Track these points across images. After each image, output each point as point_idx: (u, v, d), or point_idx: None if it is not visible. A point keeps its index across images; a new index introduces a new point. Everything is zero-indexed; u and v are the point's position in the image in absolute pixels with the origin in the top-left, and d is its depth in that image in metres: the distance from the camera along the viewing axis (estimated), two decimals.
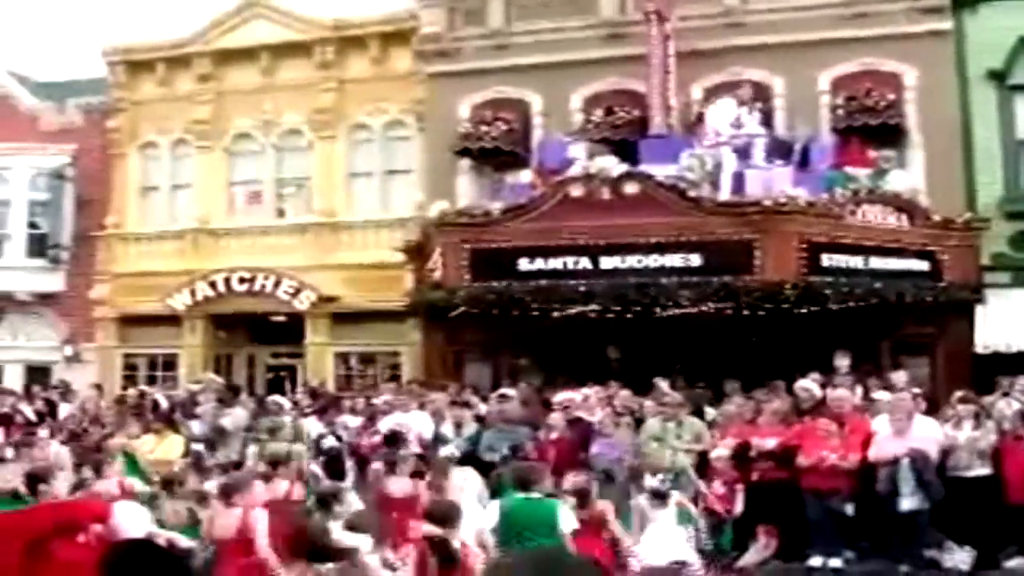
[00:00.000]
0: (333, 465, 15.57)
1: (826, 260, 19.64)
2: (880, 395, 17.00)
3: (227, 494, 9.92)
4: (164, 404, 20.14)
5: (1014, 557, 14.85)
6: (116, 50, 29.74)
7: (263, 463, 14.23)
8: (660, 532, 11.46)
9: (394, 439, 15.29)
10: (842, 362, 19.23)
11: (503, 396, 18.39)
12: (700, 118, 23.21)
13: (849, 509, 15.29)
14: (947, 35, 22.94)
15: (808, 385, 17.14)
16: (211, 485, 11.91)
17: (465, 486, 12.61)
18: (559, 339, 21.44)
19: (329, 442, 17.54)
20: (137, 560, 6.49)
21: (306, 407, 19.98)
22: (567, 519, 10.12)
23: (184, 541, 10.06)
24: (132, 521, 9.22)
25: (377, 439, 16.88)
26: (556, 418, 17.02)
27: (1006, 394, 16.89)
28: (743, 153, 21.23)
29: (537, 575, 3.00)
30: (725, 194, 20.25)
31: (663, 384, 18.38)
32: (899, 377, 18.60)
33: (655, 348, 20.73)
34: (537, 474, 10.80)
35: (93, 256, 29.16)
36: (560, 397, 18.27)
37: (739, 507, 15.48)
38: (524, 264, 20.27)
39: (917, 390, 17.64)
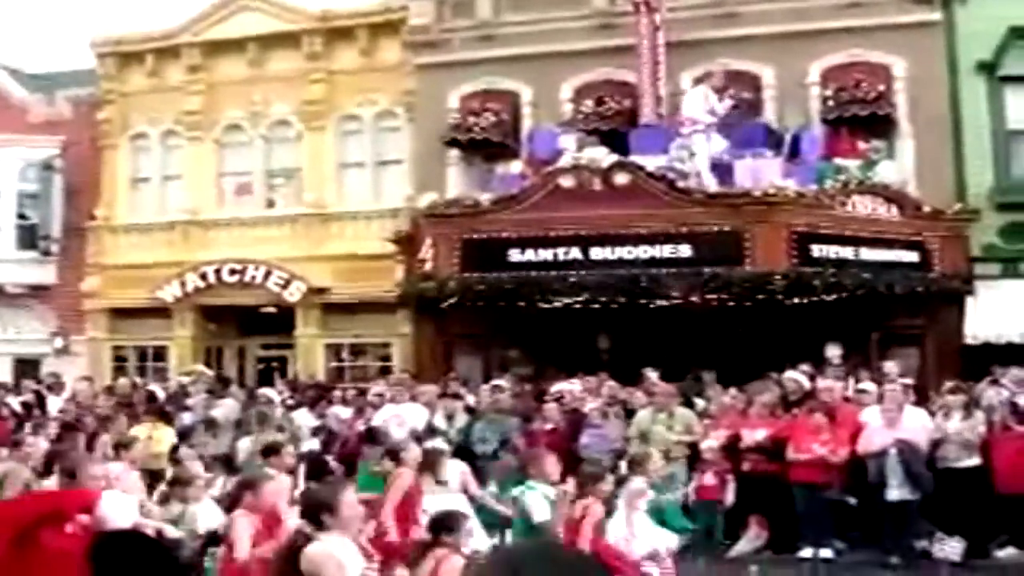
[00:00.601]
0: (314, 467, 15.42)
1: (816, 251, 19.66)
2: (867, 386, 17.00)
3: (238, 493, 9.78)
4: (161, 395, 20.06)
5: (1004, 547, 14.91)
6: (105, 41, 29.62)
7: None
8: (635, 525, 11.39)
9: (374, 436, 15.14)
10: (834, 353, 19.28)
11: (497, 387, 18.38)
12: None
13: (852, 500, 15.35)
14: (937, 26, 22.93)
15: (795, 376, 17.18)
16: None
17: (450, 478, 12.61)
18: (549, 330, 21.44)
19: (311, 443, 17.42)
20: (123, 549, 6.50)
21: (287, 399, 19.92)
22: (535, 507, 10.03)
23: (172, 532, 10.03)
24: (120, 511, 9.19)
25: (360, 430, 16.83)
26: (552, 408, 17.06)
27: (995, 381, 16.93)
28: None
29: (511, 571, 2.96)
30: (707, 180, 20.23)
31: (652, 375, 18.39)
32: (890, 367, 18.65)
33: (645, 339, 20.74)
34: (532, 461, 10.73)
35: (83, 248, 29.05)
36: (556, 388, 18.30)
37: (730, 498, 15.54)
38: (515, 255, 20.28)
39: (907, 380, 17.71)
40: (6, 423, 18.45)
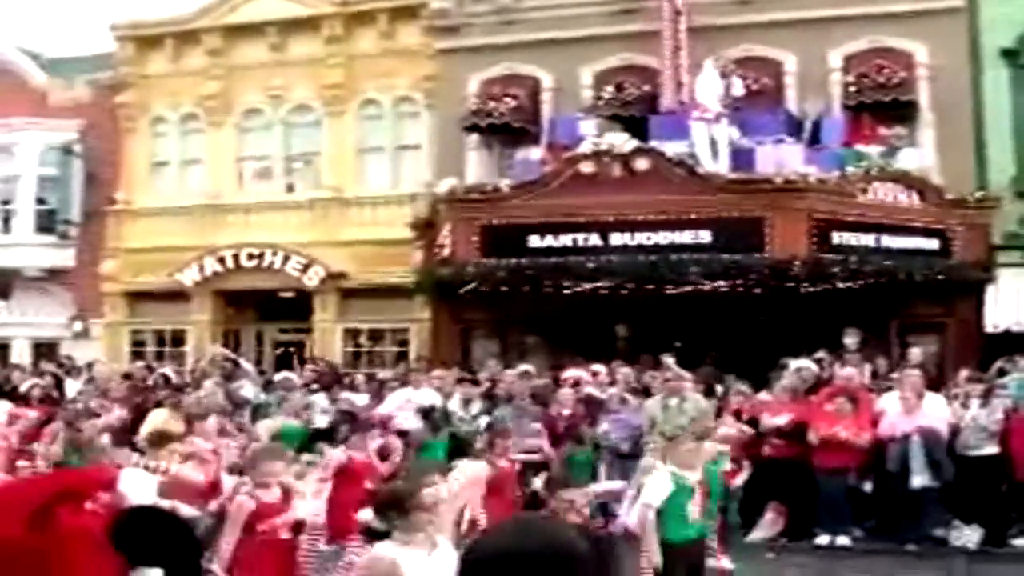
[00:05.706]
0: None
1: (836, 238, 19.60)
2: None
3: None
4: (175, 380, 20.05)
5: (1022, 535, 14.84)
6: (125, 25, 29.66)
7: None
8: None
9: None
10: (851, 339, 19.19)
11: (526, 373, 18.28)
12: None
13: (867, 487, 15.29)
14: (960, 12, 22.76)
15: (804, 363, 17.06)
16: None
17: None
18: (568, 317, 21.41)
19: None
20: (143, 526, 6.49)
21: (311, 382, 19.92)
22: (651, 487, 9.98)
23: (187, 510, 10.02)
24: (140, 488, 9.19)
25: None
26: (566, 394, 17.00)
27: (1003, 371, 16.79)
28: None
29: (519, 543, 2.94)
30: (723, 168, 20.16)
31: (670, 361, 18.30)
32: (914, 354, 18.59)
33: (664, 326, 20.69)
34: (671, 450, 10.64)
35: (102, 232, 29.09)
36: (568, 374, 18.23)
37: (738, 482, 15.36)
38: (534, 241, 20.26)
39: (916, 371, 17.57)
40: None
